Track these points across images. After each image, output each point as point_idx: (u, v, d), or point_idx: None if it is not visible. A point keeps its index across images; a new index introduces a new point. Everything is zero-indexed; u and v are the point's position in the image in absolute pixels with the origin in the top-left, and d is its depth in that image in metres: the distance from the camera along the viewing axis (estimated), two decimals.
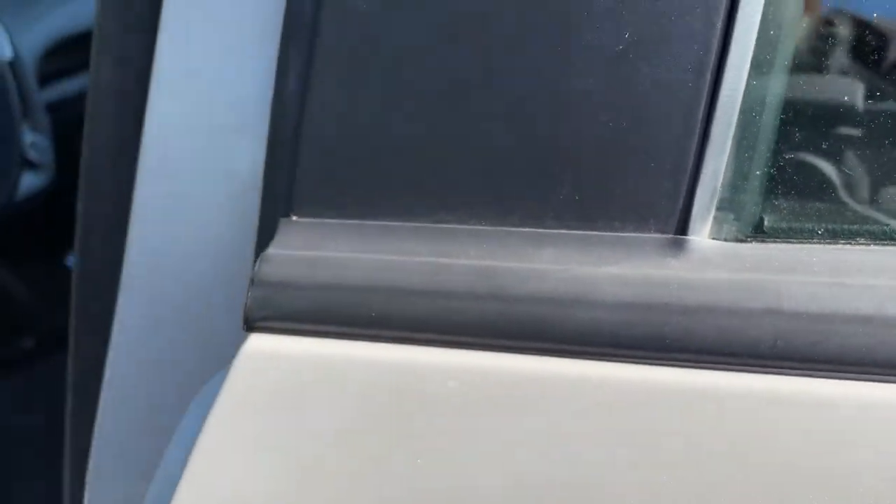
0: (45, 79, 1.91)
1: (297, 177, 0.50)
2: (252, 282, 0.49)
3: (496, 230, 0.48)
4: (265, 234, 0.52)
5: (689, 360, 0.44)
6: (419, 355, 0.48)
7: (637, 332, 0.45)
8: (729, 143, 0.46)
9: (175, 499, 0.49)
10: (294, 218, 0.51)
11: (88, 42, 2.16)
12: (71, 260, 2.06)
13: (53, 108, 1.90)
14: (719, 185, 0.47)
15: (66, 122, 1.93)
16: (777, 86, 0.49)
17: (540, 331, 0.46)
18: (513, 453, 0.46)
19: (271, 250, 0.50)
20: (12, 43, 1.76)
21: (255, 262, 0.51)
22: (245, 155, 0.54)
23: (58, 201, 1.90)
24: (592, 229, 0.47)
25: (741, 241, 0.48)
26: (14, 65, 1.75)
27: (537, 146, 0.48)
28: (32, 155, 1.77)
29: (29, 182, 1.77)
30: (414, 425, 0.47)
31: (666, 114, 0.46)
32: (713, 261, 0.46)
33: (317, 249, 0.49)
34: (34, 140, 1.80)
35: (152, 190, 0.59)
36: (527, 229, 0.48)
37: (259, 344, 0.49)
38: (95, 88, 0.63)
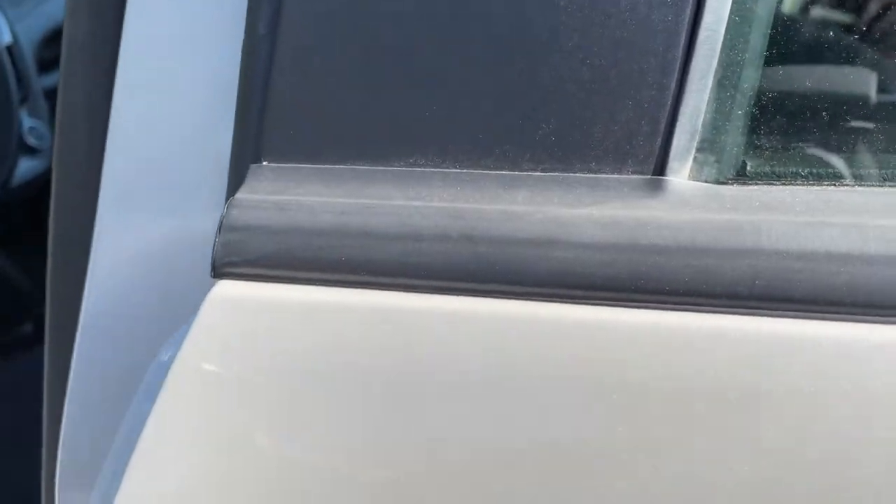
0: (44, 65, 1.91)
1: (266, 121, 0.49)
2: (220, 227, 0.48)
3: (469, 173, 0.47)
4: (236, 181, 0.51)
5: (666, 302, 0.43)
6: (390, 300, 0.46)
7: (613, 273, 0.43)
8: (710, 81, 0.45)
9: (140, 442, 0.48)
10: (265, 163, 0.50)
11: None
12: None
13: (52, 94, 1.90)
14: (699, 125, 0.45)
15: None
16: (760, 22, 0.47)
17: (514, 274, 0.44)
18: (483, 399, 0.44)
19: (240, 195, 0.49)
20: (11, 28, 1.76)
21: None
22: (213, 103, 0.53)
23: None
24: (568, 171, 0.46)
25: (722, 182, 0.46)
26: (13, 50, 1.75)
27: (512, 86, 0.46)
28: (31, 140, 1.77)
29: (27, 167, 1.77)
30: (383, 370, 0.46)
31: (644, 50, 0.44)
32: (692, 202, 0.44)
33: (287, 194, 0.48)
34: (33, 125, 1.80)
35: (123, 143, 0.57)
36: (501, 172, 0.47)
37: (226, 290, 0.48)
38: (70, 45, 0.62)
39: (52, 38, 1.95)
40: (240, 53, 0.51)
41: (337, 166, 0.49)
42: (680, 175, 0.45)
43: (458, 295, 0.45)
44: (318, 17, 0.49)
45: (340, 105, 0.48)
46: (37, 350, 1.90)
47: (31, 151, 1.78)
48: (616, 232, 0.44)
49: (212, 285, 0.48)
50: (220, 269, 0.48)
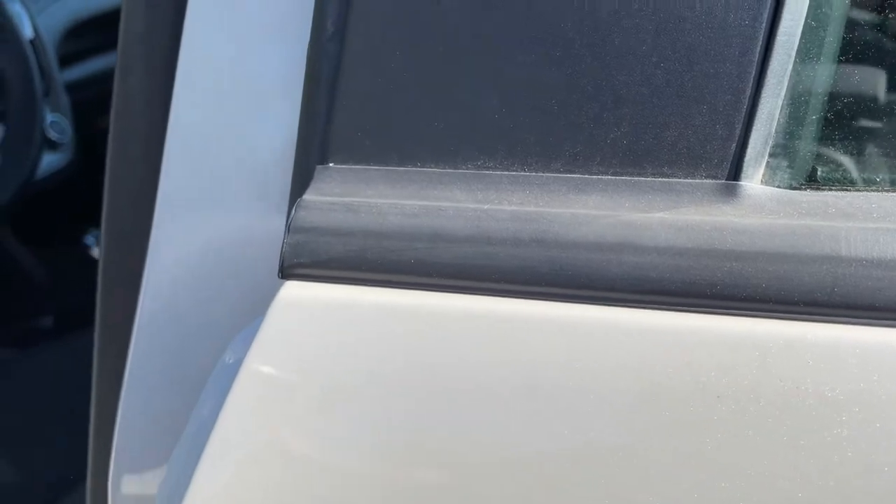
0: (65, 60, 1.91)
1: (333, 123, 0.49)
2: (288, 228, 0.48)
3: (539, 176, 0.47)
4: (301, 182, 0.50)
5: (743, 308, 0.43)
6: (461, 303, 0.46)
7: (687, 278, 0.43)
8: (785, 86, 0.45)
9: (207, 448, 0.48)
10: (331, 165, 0.50)
11: (106, 23, 2.16)
12: (90, 239, 2.06)
13: (72, 88, 1.90)
14: (773, 130, 0.45)
15: (85, 103, 1.93)
16: (836, 28, 0.47)
17: (586, 277, 0.44)
18: (557, 402, 0.44)
19: (308, 196, 0.49)
20: (33, 22, 1.76)
21: (290, 209, 0.50)
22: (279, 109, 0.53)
23: (76, 181, 1.90)
24: (641, 175, 0.46)
25: (795, 188, 0.46)
26: (35, 44, 1.75)
27: (584, 89, 0.46)
28: (53, 134, 1.77)
29: (48, 161, 1.78)
30: (454, 373, 0.46)
31: (720, 55, 0.44)
32: (767, 207, 0.44)
33: (355, 195, 0.48)
34: (54, 119, 1.80)
35: (182, 142, 0.57)
36: (572, 175, 0.47)
37: (295, 291, 0.48)
38: (125, 39, 0.61)
39: (73, 32, 1.95)
40: (305, 52, 0.51)
41: (403, 168, 0.49)
42: (753, 180, 0.45)
43: (528, 298, 0.45)
44: (386, 17, 0.49)
45: (408, 106, 0.48)
46: (55, 342, 1.91)
47: (52, 145, 1.78)
48: (690, 236, 0.44)
49: (279, 286, 0.48)
50: (289, 270, 0.48)
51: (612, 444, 0.44)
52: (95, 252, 1.97)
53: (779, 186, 0.46)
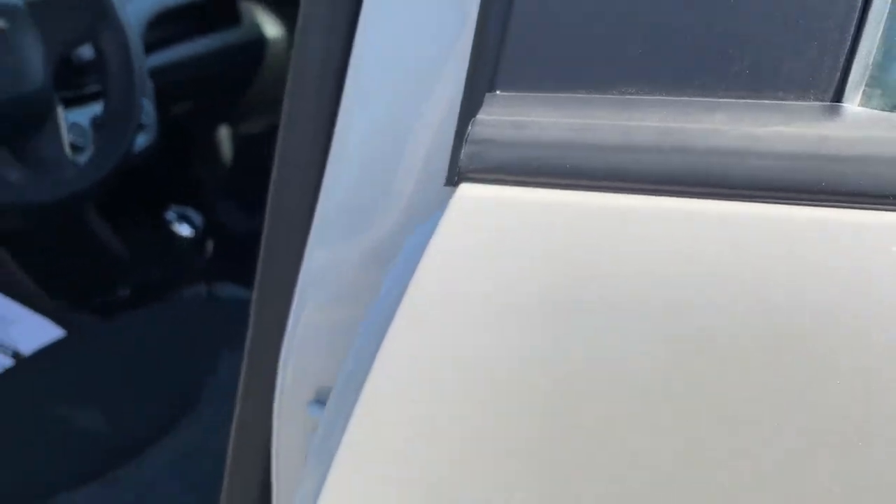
0: (149, 46, 2.02)
1: (503, 53, 0.60)
2: (465, 140, 0.59)
3: (675, 100, 0.58)
4: (470, 109, 0.62)
5: (847, 202, 0.53)
6: (609, 201, 0.57)
7: (799, 176, 0.54)
8: (881, 27, 0.55)
9: (380, 355, 0.58)
10: (497, 92, 0.61)
11: (185, 15, 2.28)
12: (171, 215, 2.19)
13: (154, 73, 2.02)
14: (870, 62, 0.56)
15: (166, 88, 2.05)
16: None
17: (717, 178, 0.55)
18: (699, 291, 0.55)
19: (481, 115, 0.60)
20: (123, 10, 1.89)
21: (458, 129, 0.61)
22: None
23: (157, 162, 2.02)
24: (759, 98, 0.56)
25: (886, 110, 0.56)
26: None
27: (713, 27, 0.57)
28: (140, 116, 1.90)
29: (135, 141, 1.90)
30: (602, 260, 0.57)
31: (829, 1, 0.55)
32: (864, 122, 0.55)
33: (520, 115, 0.59)
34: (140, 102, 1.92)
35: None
36: (701, 98, 0.57)
37: (470, 191, 0.59)
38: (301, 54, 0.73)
39: (157, 21, 2.07)
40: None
41: (560, 94, 0.60)
42: (853, 103, 0.56)
43: (668, 196, 0.56)
44: None
45: (568, 39, 0.59)
46: (133, 312, 2.03)
47: (139, 127, 1.90)
48: (800, 144, 0.54)
49: (452, 191, 0.59)
50: (465, 174, 0.59)
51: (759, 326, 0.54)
52: (176, 227, 2.10)
53: (873, 108, 0.56)
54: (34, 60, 1.42)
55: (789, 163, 0.54)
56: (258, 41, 2.27)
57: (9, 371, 1.75)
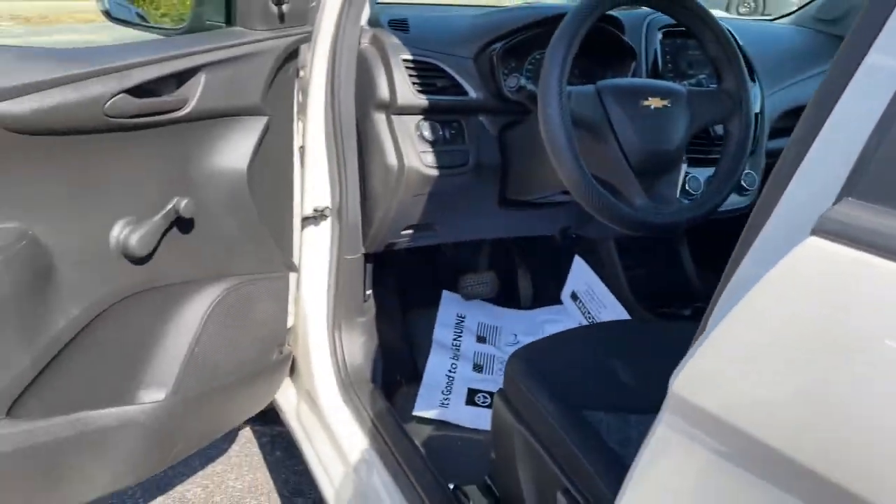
0: (774, 132, 2.37)
1: None
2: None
3: None
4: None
5: None
6: None
7: None
8: None
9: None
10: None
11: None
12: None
13: (770, 155, 2.36)
14: None
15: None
16: None
17: None
18: None
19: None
20: (762, 101, 2.31)
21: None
22: None
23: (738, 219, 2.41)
24: None
25: None
26: (758, 117, 2.28)
27: None
28: (744, 182, 2.28)
29: (732, 201, 2.26)
30: None
31: None
32: None
33: None
34: (748, 171, 2.30)
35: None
36: None
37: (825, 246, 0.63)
38: None
39: (787, 114, 2.41)
40: None
41: None
42: None
43: None
44: None
45: None
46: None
47: (740, 190, 2.28)
48: None
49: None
50: (822, 232, 0.63)
51: None
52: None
53: None
54: (680, 129, 1.87)
55: None
56: None
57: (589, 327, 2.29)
